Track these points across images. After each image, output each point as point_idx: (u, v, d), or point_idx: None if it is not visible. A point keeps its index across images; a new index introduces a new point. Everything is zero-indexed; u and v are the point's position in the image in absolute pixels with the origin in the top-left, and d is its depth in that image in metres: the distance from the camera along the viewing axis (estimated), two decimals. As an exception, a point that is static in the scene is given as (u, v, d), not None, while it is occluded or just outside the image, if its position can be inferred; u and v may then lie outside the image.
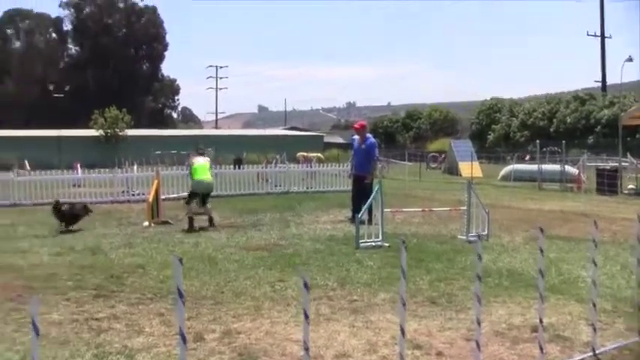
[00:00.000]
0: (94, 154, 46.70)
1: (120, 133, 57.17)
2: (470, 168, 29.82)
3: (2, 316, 6.40)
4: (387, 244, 10.25)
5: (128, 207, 17.50)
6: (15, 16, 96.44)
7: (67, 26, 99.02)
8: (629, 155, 26.98)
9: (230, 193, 21.24)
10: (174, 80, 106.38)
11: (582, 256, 9.13)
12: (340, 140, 75.22)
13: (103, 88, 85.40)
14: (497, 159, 44.04)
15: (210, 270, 8.56)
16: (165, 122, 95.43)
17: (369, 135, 14.21)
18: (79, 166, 27.30)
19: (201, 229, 12.72)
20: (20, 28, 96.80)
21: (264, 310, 6.57)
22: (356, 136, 14.13)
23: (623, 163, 24.92)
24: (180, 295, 3.37)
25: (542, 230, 4.77)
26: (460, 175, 32.19)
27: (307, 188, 22.85)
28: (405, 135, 79.10)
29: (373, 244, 10.26)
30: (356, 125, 14.59)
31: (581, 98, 56.79)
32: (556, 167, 26.02)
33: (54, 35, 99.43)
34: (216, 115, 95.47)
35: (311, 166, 25.66)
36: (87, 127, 58.80)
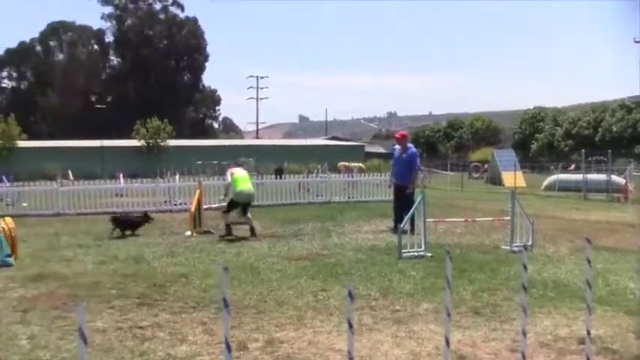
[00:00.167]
0: (136, 164, 47.44)
1: (162, 144, 57.95)
2: (513, 178, 29.44)
3: (47, 323, 6.49)
4: (429, 254, 10.16)
5: (170, 216, 17.68)
6: (58, 28, 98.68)
7: (109, 38, 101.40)
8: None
9: (271, 202, 21.34)
10: (215, 91, 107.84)
11: (630, 267, 8.93)
12: (381, 150, 75.29)
13: (145, 99, 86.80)
14: (540, 169, 43.56)
15: (252, 279, 8.58)
16: (207, 132, 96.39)
17: (410, 145, 14.19)
18: (121, 175, 27.76)
19: (243, 238, 12.76)
20: (63, 40, 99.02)
21: (306, 319, 6.55)
22: (397, 146, 14.10)
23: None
24: (226, 304, 3.37)
25: (589, 241, 4.67)
26: (503, 184, 31.82)
27: (348, 198, 22.86)
28: (447, 144, 78.82)
29: (416, 254, 10.17)
30: (397, 135, 14.57)
31: (627, 107, 55.86)
32: (602, 177, 25.60)
33: (96, 47, 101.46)
34: (257, 125, 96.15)
35: (352, 176, 25.66)
36: (129, 137, 59.77)
